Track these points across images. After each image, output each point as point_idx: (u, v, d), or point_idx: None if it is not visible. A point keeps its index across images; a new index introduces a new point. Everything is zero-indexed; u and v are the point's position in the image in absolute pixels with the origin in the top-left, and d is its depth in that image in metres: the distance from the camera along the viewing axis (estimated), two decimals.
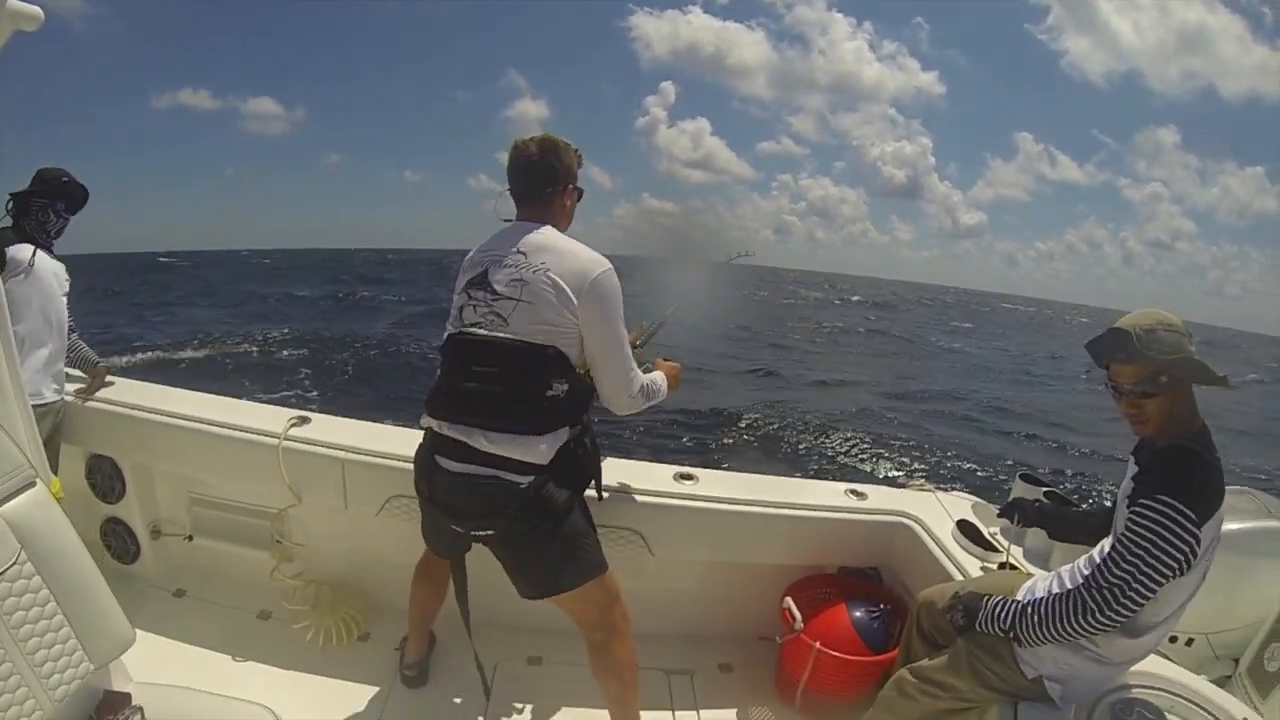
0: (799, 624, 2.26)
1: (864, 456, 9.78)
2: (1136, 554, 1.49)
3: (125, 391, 2.57)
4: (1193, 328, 1.60)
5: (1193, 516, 1.46)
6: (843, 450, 10.06)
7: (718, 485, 2.43)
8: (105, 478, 2.61)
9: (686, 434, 10.00)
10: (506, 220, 1.91)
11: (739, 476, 2.56)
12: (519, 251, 1.77)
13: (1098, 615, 1.53)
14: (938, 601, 1.97)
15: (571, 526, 1.85)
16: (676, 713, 2.33)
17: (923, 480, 2.68)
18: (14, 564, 1.34)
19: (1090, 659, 1.65)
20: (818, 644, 2.21)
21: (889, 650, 2.21)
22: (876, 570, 2.62)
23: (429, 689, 2.31)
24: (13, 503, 1.37)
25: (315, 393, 11.86)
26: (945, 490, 2.71)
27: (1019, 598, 1.75)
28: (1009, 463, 9.76)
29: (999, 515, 2.16)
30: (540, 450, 1.75)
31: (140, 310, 22.42)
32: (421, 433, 1.90)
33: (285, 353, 15.52)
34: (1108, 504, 1.94)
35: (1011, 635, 1.67)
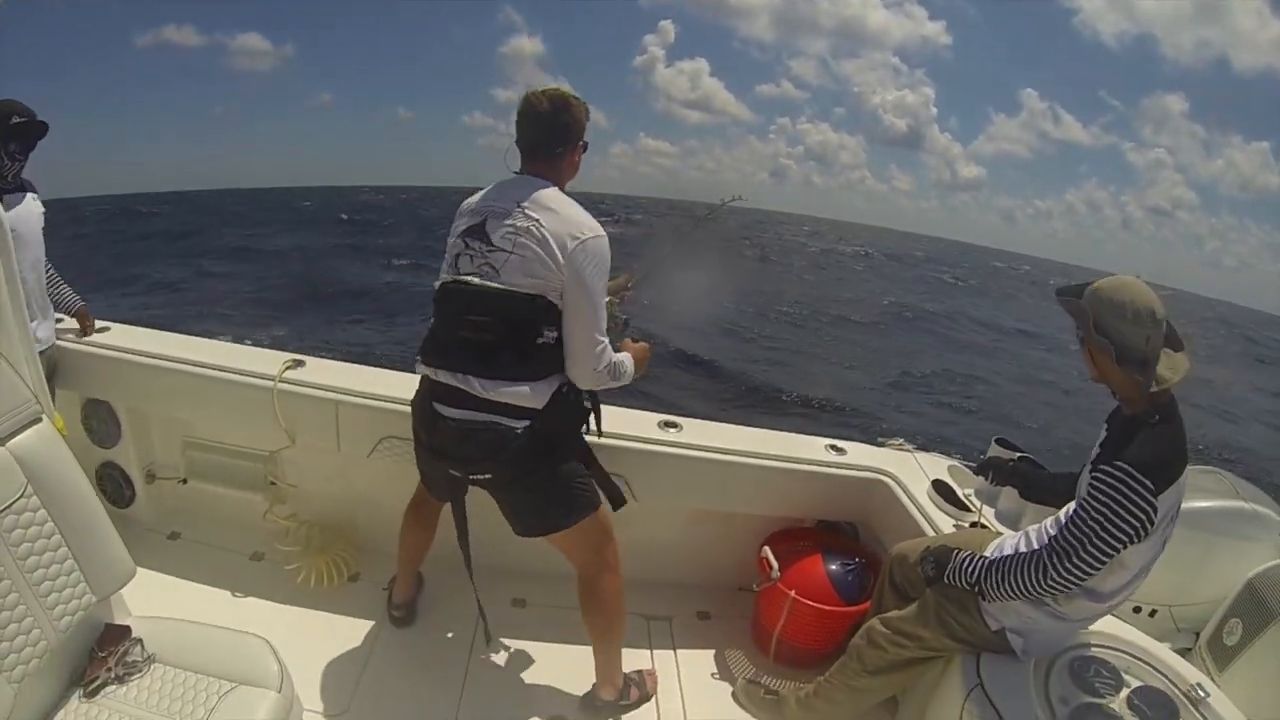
0: (775, 573, 2.35)
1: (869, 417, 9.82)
2: (1095, 519, 1.56)
3: (121, 336, 2.58)
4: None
5: (1149, 485, 1.52)
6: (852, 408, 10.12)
7: (700, 434, 2.50)
8: (101, 423, 2.64)
9: (680, 382, 9.90)
10: (516, 172, 1.91)
11: (722, 427, 2.62)
12: (519, 206, 1.79)
13: (1056, 575, 1.61)
14: (910, 555, 2.06)
15: (566, 469, 1.92)
16: (655, 653, 2.44)
17: (901, 440, 2.75)
18: (20, 497, 1.38)
19: (1050, 614, 1.74)
20: (793, 593, 2.30)
21: (862, 602, 2.31)
22: (854, 526, 2.71)
23: (416, 628, 2.40)
24: (19, 437, 1.41)
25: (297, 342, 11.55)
26: (925, 451, 2.79)
27: (987, 554, 1.84)
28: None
29: (975, 473, 2.25)
30: (534, 395, 1.80)
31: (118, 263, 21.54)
32: (414, 377, 1.94)
33: (268, 295, 15.17)
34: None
35: (977, 589, 1.77)
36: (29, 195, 2.34)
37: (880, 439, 2.74)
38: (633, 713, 2.20)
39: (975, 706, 1.71)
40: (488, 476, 1.88)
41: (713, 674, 2.42)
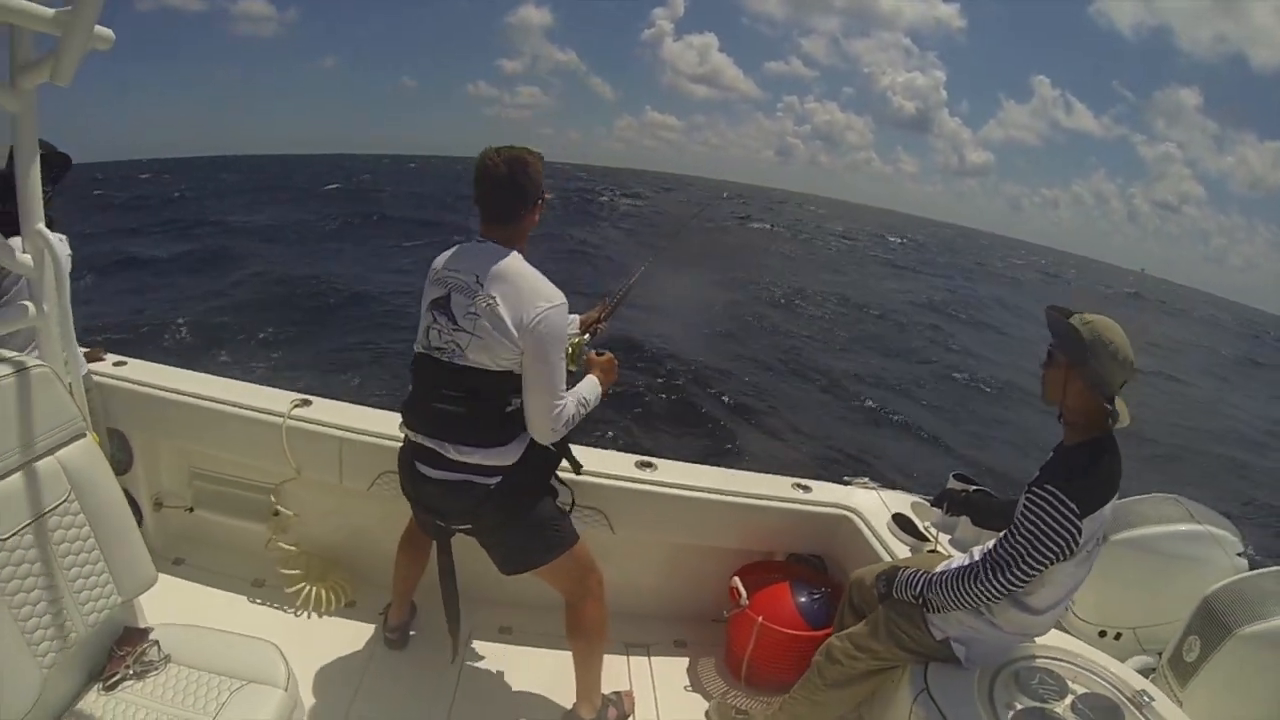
0: (744, 600, 2.51)
1: None
2: (1024, 537, 1.75)
3: (138, 370, 2.77)
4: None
5: (1074, 508, 1.70)
6: None
7: (674, 473, 2.69)
8: (115, 451, 2.80)
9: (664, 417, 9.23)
10: (478, 236, 1.97)
11: (694, 467, 2.81)
12: (478, 282, 1.87)
13: (988, 585, 1.79)
14: (867, 579, 2.23)
15: (540, 512, 2.08)
16: (633, 678, 2.57)
17: (866, 479, 2.94)
18: (64, 502, 1.57)
19: (987, 624, 1.91)
20: (760, 618, 2.46)
21: (828, 628, 2.44)
22: (820, 559, 2.87)
23: (409, 650, 2.54)
24: (66, 449, 1.60)
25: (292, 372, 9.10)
26: (889, 489, 2.98)
27: (934, 571, 2.02)
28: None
29: (931, 505, 2.44)
30: (505, 454, 1.95)
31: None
32: None
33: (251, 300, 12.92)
34: None
35: (921, 601, 1.94)
36: (57, 237, 2.56)
37: (846, 478, 2.94)
38: None
39: (921, 709, 1.86)
40: (469, 526, 2.07)
41: (687, 696, 2.56)
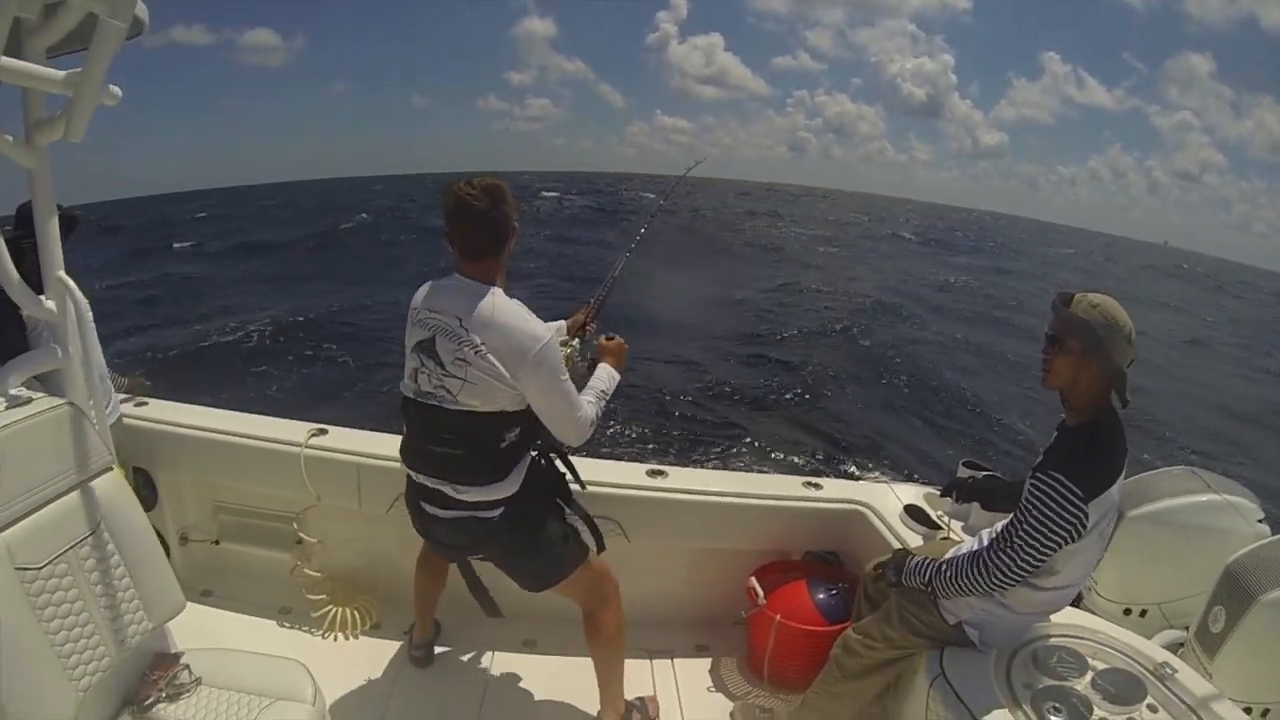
0: (761, 599, 2.53)
1: None
2: (1030, 524, 1.74)
3: (159, 410, 2.86)
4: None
5: (1079, 493, 1.69)
6: None
7: (686, 480, 2.73)
8: (140, 489, 2.90)
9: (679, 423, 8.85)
10: (458, 271, 1.93)
11: (704, 472, 2.86)
12: (461, 325, 1.84)
13: (995, 574, 1.79)
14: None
15: (548, 533, 2.12)
16: (657, 683, 2.59)
17: (877, 474, 2.96)
18: (95, 532, 1.65)
19: (999, 605, 1.92)
20: (778, 616, 2.48)
21: (846, 622, 2.46)
22: (837, 555, 2.89)
23: (434, 667, 2.59)
24: (97, 481, 1.68)
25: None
26: (902, 482, 3.00)
27: (945, 557, 2.03)
28: None
29: (941, 495, 2.46)
30: (506, 486, 1.97)
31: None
32: None
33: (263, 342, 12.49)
34: None
35: (929, 588, 1.95)
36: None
37: (857, 473, 2.96)
38: None
39: (938, 694, 1.87)
40: (480, 556, 2.15)
41: (711, 697, 2.58)
